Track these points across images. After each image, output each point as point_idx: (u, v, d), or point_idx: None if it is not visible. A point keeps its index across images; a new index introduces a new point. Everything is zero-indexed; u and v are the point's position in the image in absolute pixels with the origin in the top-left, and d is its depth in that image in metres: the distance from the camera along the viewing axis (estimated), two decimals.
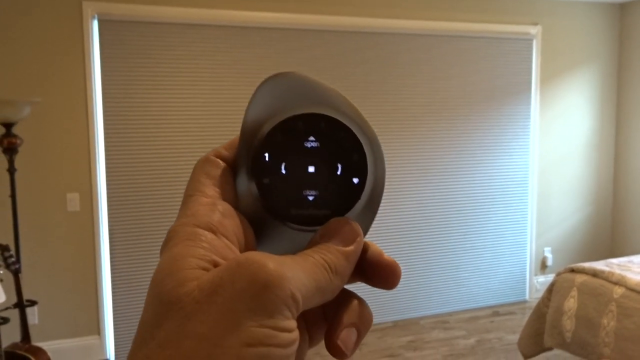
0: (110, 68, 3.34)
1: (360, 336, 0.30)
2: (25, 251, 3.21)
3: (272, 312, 0.23)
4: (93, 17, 3.30)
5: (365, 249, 0.31)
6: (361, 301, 0.31)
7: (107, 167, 3.37)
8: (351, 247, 0.29)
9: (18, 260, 2.78)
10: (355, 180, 0.31)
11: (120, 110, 3.38)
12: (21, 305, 2.76)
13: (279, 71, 0.32)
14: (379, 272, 0.31)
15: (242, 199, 0.30)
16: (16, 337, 2.82)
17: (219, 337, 0.22)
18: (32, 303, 2.92)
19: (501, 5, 4.22)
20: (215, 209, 0.28)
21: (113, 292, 3.43)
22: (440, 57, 4.05)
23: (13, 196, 2.87)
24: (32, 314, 3.24)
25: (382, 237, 3.97)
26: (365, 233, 0.31)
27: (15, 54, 3.19)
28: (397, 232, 4.02)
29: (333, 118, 0.30)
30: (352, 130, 0.31)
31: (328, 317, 0.31)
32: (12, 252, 2.73)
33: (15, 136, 2.80)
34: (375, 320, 3.98)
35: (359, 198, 0.31)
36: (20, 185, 3.02)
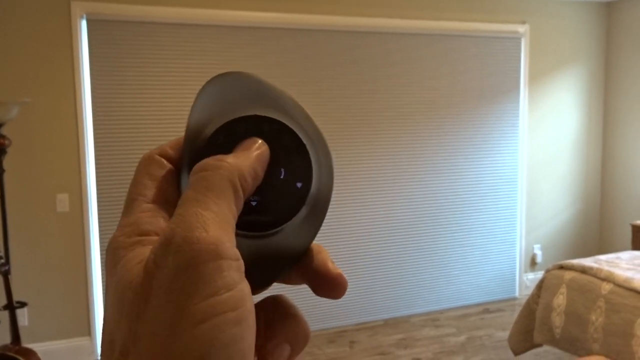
0: (100, 68, 3.33)
1: (294, 353, 0.29)
2: (15, 252, 3.19)
3: (204, 277, 0.23)
4: (82, 17, 3.28)
5: (310, 257, 0.30)
6: (298, 318, 0.30)
7: (96, 168, 3.36)
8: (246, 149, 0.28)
9: (7, 262, 2.76)
10: (299, 184, 0.30)
11: (110, 110, 3.36)
12: (11, 306, 2.74)
13: (226, 70, 0.31)
14: (323, 283, 0.30)
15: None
16: (6, 338, 2.81)
17: (169, 328, 0.22)
18: (22, 304, 2.91)
19: (490, 4, 4.25)
20: (157, 214, 0.27)
21: (104, 293, 3.42)
22: (430, 56, 4.07)
23: (2, 197, 2.85)
24: (22, 315, 3.22)
25: (373, 235, 3.99)
26: (312, 239, 0.30)
27: (4, 54, 3.17)
28: (387, 231, 4.04)
29: (276, 120, 0.30)
30: (295, 133, 0.30)
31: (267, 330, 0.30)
32: (2, 253, 2.71)
33: (3, 137, 2.79)
34: (366, 318, 3.99)
35: (303, 203, 0.29)
36: (9, 186, 3.00)
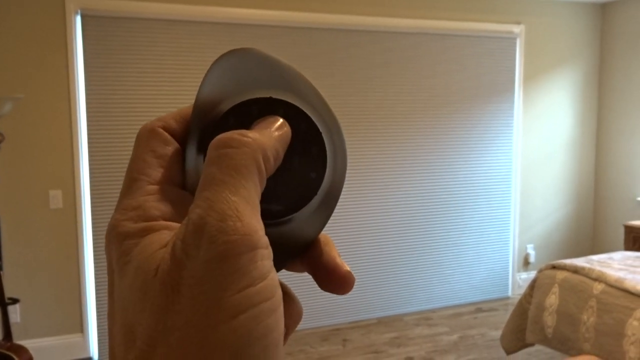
0: (94, 64, 3.31)
1: (288, 332, 0.29)
2: (7, 249, 3.17)
3: (240, 268, 0.22)
4: (76, 12, 3.27)
5: (318, 248, 0.29)
6: (291, 297, 0.29)
7: (90, 164, 3.35)
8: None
9: (0, 258, 2.75)
10: (313, 174, 0.28)
11: (103, 106, 3.35)
12: (3, 303, 2.73)
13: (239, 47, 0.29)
14: (331, 279, 0.29)
15: (190, 179, 0.27)
16: None
17: (204, 320, 0.22)
18: (14, 301, 2.90)
19: (485, 4, 4.26)
20: (163, 197, 0.26)
21: (97, 290, 3.41)
22: (426, 55, 4.07)
23: None
24: (14, 312, 3.21)
25: (367, 234, 3.99)
26: (320, 229, 0.29)
27: None
28: (381, 229, 4.04)
29: (293, 105, 0.28)
30: (312, 120, 0.28)
31: None
32: None
33: None
34: (360, 316, 4.00)
35: (315, 194, 0.28)
36: (1, 182, 2.99)
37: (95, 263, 3.40)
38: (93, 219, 3.37)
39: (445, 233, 4.26)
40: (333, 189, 0.29)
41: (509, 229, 4.51)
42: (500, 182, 4.43)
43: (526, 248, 4.63)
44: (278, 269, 0.28)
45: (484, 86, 4.28)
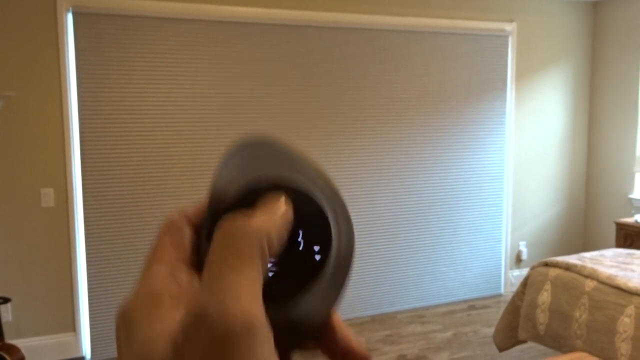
0: (86, 62, 3.29)
1: None
2: None
3: (241, 354, 0.23)
4: (67, 10, 3.25)
5: (332, 329, 0.30)
6: None
7: (82, 162, 3.33)
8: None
9: None
10: (317, 254, 0.29)
11: (96, 104, 3.33)
12: None
13: (255, 134, 0.31)
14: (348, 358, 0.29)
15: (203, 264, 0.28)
16: None
17: None
18: (6, 300, 2.88)
19: (478, 2, 4.26)
20: (173, 278, 0.27)
21: (89, 289, 3.39)
22: (419, 53, 4.08)
23: None
24: (6, 311, 3.19)
25: (360, 232, 3.99)
26: (329, 312, 0.29)
27: None
28: (375, 227, 4.05)
29: (296, 188, 0.29)
30: (316, 201, 0.29)
31: None
32: None
33: None
34: (353, 314, 4.00)
35: (321, 273, 0.28)
36: None
37: (87, 262, 3.38)
38: (85, 217, 3.35)
39: (438, 231, 4.27)
40: (340, 268, 0.29)
41: (501, 227, 4.52)
42: (493, 180, 4.45)
43: (518, 245, 4.65)
44: (290, 352, 0.29)
45: (477, 84, 4.29)
